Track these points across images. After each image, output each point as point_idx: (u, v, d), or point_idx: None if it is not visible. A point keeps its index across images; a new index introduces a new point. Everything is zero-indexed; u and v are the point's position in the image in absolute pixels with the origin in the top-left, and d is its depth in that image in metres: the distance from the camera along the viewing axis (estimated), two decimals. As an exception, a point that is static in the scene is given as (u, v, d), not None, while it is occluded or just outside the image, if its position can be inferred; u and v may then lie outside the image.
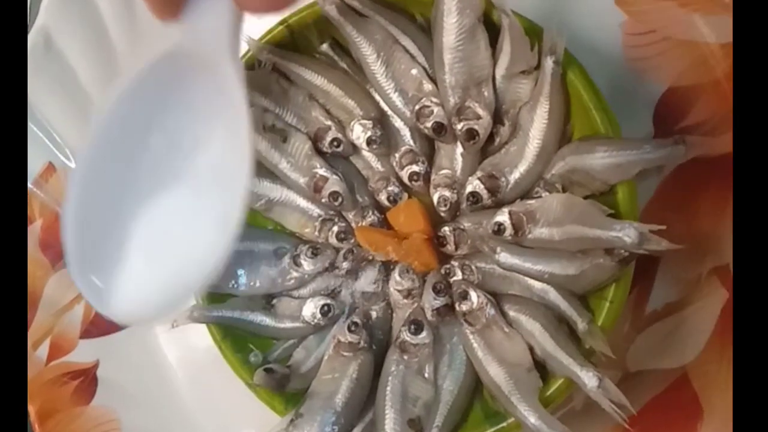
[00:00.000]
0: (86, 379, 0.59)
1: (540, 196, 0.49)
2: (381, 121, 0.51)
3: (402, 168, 0.51)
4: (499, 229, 0.48)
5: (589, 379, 0.45)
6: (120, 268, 0.33)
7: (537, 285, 0.49)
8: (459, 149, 0.50)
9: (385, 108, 0.51)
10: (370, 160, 0.52)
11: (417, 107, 0.49)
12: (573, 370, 0.46)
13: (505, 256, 0.48)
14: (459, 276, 0.50)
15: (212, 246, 0.33)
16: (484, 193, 0.49)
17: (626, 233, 0.44)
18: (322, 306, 0.50)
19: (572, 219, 0.46)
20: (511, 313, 0.49)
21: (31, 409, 0.58)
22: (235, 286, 0.51)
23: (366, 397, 0.49)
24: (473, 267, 0.50)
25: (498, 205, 0.49)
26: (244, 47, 0.50)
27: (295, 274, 0.51)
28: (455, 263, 0.50)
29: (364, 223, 0.52)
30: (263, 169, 0.51)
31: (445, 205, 0.50)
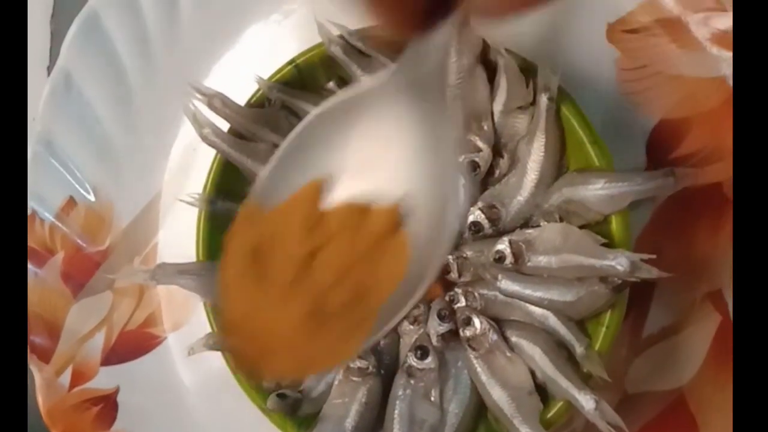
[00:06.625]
0: (107, 405, 0.60)
1: (538, 225, 0.50)
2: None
3: (407, 199, 0.53)
4: (500, 258, 0.49)
5: (586, 401, 0.46)
6: None
7: (537, 311, 0.50)
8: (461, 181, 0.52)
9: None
10: (376, 191, 0.54)
11: (419, 142, 0.51)
12: (571, 393, 0.47)
13: (506, 283, 0.50)
14: (463, 303, 0.51)
15: None
16: (485, 223, 0.51)
17: (618, 262, 0.46)
18: (332, 333, 0.52)
19: (568, 248, 0.48)
20: (513, 338, 0.50)
21: (55, 434, 0.59)
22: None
23: (375, 420, 0.50)
24: (476, 294, 0.51)
25: (498, 234, 0.50)
26: (253, 87, 0.53)
27: (304, 302, 0.53)
28: (459, 290, 0.52)
29: (371, 253, 0.53)
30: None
31: (449, 235, 0.52)
